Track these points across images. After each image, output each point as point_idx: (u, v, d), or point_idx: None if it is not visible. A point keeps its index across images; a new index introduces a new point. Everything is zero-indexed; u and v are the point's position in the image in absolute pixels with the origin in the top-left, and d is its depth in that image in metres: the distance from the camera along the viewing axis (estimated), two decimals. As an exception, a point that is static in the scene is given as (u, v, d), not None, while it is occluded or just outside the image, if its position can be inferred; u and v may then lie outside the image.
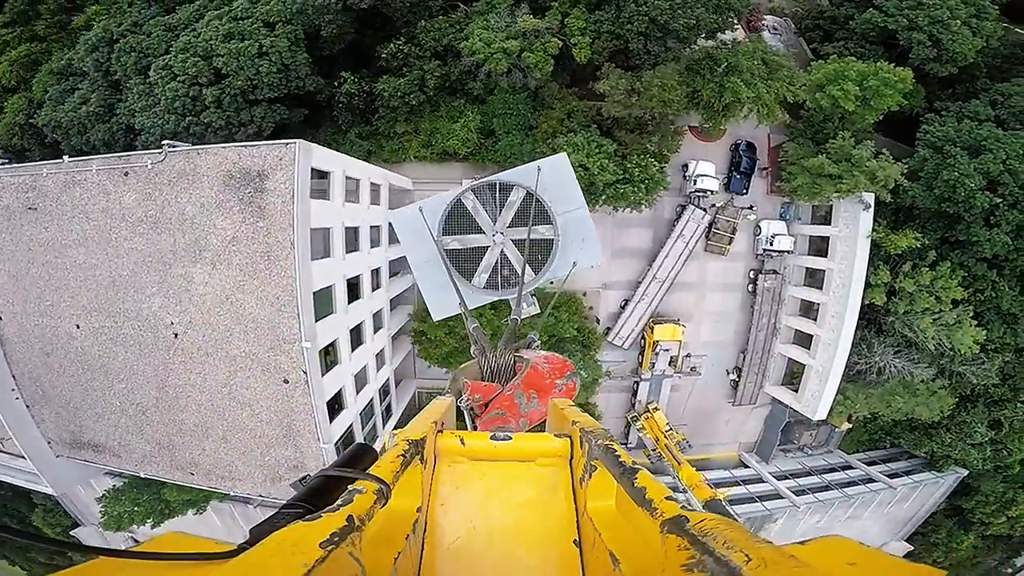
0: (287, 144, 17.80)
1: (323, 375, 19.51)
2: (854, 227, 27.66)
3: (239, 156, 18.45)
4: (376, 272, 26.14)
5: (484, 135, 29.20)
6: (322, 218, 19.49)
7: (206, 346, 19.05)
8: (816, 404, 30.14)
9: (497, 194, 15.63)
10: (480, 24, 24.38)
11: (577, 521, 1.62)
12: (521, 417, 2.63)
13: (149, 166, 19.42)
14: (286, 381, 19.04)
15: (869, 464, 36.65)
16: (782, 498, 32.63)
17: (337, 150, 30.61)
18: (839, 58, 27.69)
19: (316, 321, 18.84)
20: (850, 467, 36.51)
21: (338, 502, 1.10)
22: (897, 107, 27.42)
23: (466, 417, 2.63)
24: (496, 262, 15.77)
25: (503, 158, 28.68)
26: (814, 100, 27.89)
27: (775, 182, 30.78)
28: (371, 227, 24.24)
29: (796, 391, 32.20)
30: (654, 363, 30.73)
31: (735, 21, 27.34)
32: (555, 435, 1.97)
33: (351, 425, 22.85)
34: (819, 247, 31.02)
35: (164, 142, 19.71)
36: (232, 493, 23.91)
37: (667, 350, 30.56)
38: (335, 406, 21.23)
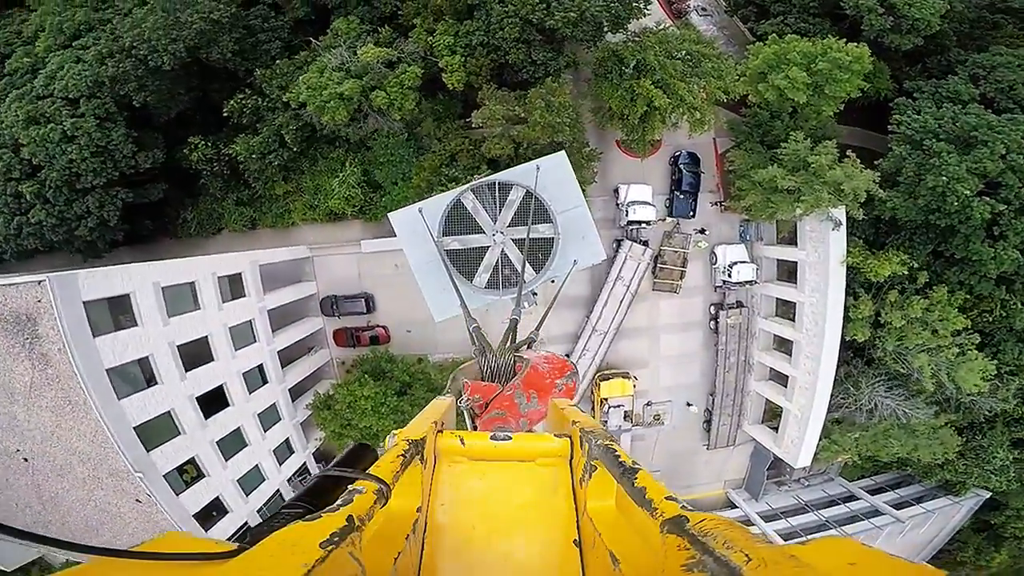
0: (39, 281, 14.19)
1: (181, 493, 18.82)
2: (824, 250, 22.58)
3: (4, 296, 14.97)
4: (260, 367, 22.72)
5: (372, 188, 24.85)
6: (127, 351, 16.36)
7: (56, 469, 18.10)
8: (797, 451, 25.82)
9: (497, 193, 15.41)
10: (315, 66, 19.76)
11: (577, 521, 1.63)
12: (521, 417, 2.60)
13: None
14: (138, 501, 17.91)
15: (875, 492, 32.20)
16: (771, 550, 28.63)
17: (218, 222, 27.00)
18: (779, 37, 22.09)
19: (151, 450, 17.70)
20: (854, 497, 32.18)
21: (338, 502, 1.11)
22: (860, 92, 21.89)
23: (466, 417, 2.59)
24: (497, 261, 15.41)
25: (395, 214, 24.36)
26: (757, 93, 22.54)
27: (725, 199, 25.65)
28: (231, 328, 20.58)
29: (777, 430, 27.86)
30: (605, 422, 26.68)
31: (643, 5, 21.88)
32: (555, 435, 1.98)
33: (246, 522, 21.78)
34: (791, 268, 25.98)
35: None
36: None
37: (619, 406, 26.45)
38: (212, 512, 20.48)
